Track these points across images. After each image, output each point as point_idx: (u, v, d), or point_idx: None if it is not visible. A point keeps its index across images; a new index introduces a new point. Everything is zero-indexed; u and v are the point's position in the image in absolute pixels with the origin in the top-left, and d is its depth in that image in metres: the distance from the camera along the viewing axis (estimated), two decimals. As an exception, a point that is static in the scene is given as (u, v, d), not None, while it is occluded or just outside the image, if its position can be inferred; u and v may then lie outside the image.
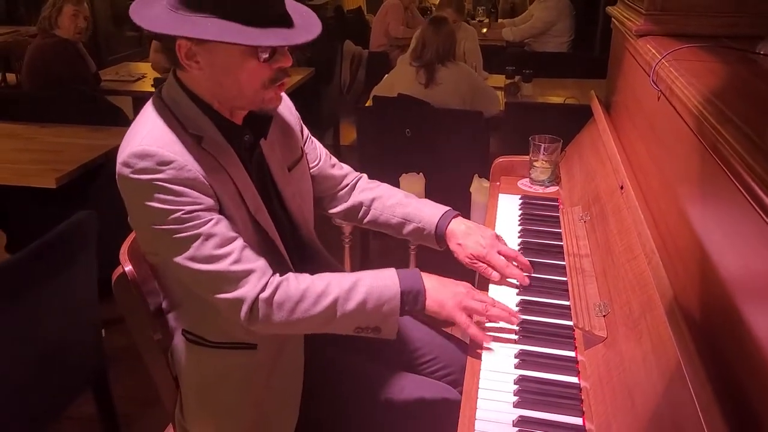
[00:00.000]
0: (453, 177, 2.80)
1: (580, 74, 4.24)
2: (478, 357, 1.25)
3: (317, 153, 1.58)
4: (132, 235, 1.42)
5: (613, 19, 1.88)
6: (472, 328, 1.28)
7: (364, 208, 1.61)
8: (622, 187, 1.38)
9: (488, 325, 1.33)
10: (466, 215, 2.36)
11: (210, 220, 1.20)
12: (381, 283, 1.27)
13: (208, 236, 1.19)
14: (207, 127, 1.24)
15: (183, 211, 1.17)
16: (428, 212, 1.56)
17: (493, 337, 1.29)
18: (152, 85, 4.00)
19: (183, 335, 1.38)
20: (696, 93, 1.02)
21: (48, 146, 3.04)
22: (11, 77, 6.06)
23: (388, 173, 2.38)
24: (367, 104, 3.63)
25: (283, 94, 1.35)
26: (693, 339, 0.84)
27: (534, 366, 1.21)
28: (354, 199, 1.62)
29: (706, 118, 0.93)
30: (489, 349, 1.27)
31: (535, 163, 2.02)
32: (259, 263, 1.23)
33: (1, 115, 3.39)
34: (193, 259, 1.19)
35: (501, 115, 3.54)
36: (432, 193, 2.36)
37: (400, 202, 1.59)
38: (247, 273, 1.21)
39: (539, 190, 2.01)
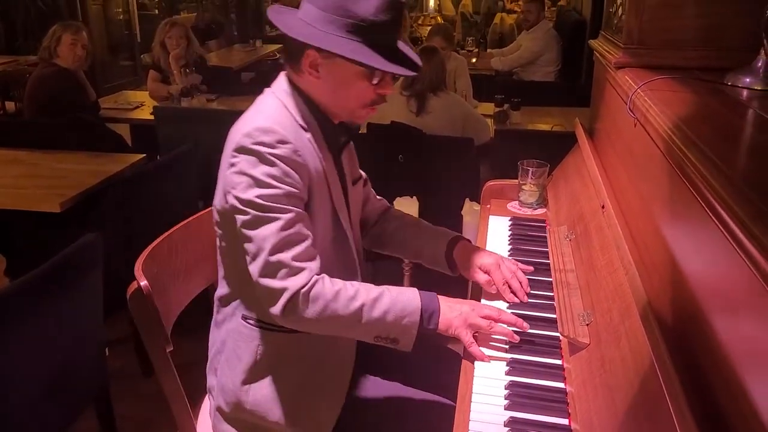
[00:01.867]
0: (445, 201, 2.90)
1: (566, 102, 4.39)
2: (472, 364, 1.34)
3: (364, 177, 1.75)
4: (146, 251, 1.51)
5: (594, 51, 2.01)
6: (473, 347, 1.37)
7: (389, 234, 1.75)
8: (603, 207, 1.48)
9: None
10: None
11: (297, 211, 1.33)
12: (404, 297, 1.38)
13: (290, 224, 1.31)
14: (313, 123, 1.41)
15: (283, 191, 1.31)
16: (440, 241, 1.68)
17: (489, 352, 1.38)
18: (151, 113, 4.10)
19: (243, 321, 1.48)
20: (666, 120, 1.13)
21: (52, 172, 3.13)
22: (10, 105, 6.16)
23: (382, 196, 2.49)
24: (361, 131, 3.75)
25: None
26: (664, 339, 0.94)
27: (523, 373, 1.31)
28: (382, 225, 1.77)
29: (674, 142, 1.03)
30: (483, 357, 1.36)
31: (523, 187, 2.13)
32: (313, 264, 1.34)
33: (3, 143, 3.48)
34: (265, 240, 1.30)
35: (491, 142, 3.66)
36: (425, 216, 2.45)
37: (416, 231, 1.73)
38: (300, 270, 1.32)
39: (528, 212, 2.12)
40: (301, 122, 1.39)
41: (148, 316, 1.41)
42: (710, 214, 0.86)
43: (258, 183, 1.31)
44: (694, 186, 0.93)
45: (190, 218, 1.71)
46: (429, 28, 5.77)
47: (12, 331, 1.64)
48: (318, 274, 1.34)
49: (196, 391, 1.66)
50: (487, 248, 1.84)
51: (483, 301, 1.55)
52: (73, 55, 3.95)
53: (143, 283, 1.40)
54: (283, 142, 1.32)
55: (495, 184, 2.23)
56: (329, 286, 1.34)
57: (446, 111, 3.44)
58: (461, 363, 1.37)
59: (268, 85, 1.47)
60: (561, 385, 1.26)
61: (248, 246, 1.33)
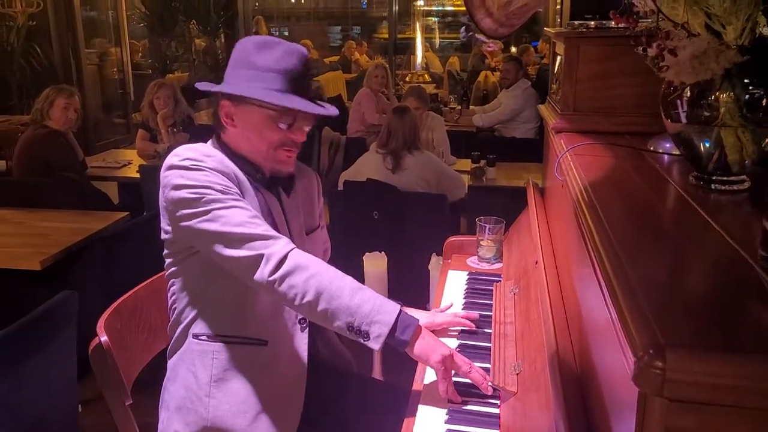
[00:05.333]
0: (415, 256, 2.99)
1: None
2: (414, 414, 1.41)
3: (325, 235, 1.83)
4: (111, 308, 1.59)
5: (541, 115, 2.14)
6: (444, 384, 1.41)
7: None
8: (536, 263, 1.58)
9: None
10: (425, 291, 2.55)
11: (241, 199, 1.44)
12: (386, 300, 1.41)
13: (241, 208, 1.42)
14: (239, 173, 1.52)
15: (222, 186, 1.42)
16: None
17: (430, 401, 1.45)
18: (137, 171, 4.22)
19: (194, 339, 1.55)
20: (579, 183, 1.24)
21: (35, 230, 3.20)
22: (1, 164, 6.28)
23: (354, 252, 2.59)
24: (338, 188, 3.86)
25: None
26: (564, 386, 1.02)
27: (462, 422, 1.37)
28: None
29: (579, 203, 1.14)
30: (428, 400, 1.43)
31: (482, 242, 2.23)
32: (286, 239, 1.43)
33: (-8, 202, 3.59)
34: (227, 223, 1.39)
35: (466, 197, 3.78)
36: (393, 270, 2.55)
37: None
38: (277, 237, 1.42)
39: (486, 266, 2.21)
40: (228, 168, 1.50)
41: (108, 371, 1.49)
42: (592, 267, 0.96)
43: (195, 186, 1.42)
44: (585, 242, 1.02)
45: (156, 275, 1.80)
46: (408, 87, 5.95)
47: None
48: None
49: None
50: (443, 302, 1.92)
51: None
52: (65, 118, 4.07)
53: (104, 338, 1.48)
54: (208, 155, 1.47)
55: (456, 239, 2.33)
56: (319, 258, 1.43)
57: (421, 169, 3.56)
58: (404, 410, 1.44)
59: None
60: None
61: (215, 237, 1.40)
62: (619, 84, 1.71)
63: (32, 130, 4.09)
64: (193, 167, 1.43)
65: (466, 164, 4.34)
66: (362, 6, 13.31)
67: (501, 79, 6.38)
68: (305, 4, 13.48)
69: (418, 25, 11.48)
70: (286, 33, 12.54)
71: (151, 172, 4.14)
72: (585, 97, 1.74)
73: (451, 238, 2.34)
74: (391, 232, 3.34)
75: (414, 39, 11.33)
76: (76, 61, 7.65)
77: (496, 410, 1.40)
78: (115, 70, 8.90)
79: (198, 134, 4.85)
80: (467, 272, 2.15)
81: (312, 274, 1.38)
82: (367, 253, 2.80)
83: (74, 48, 7.60)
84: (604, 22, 1.83)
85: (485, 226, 2.19)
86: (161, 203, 1.51)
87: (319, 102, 1.57)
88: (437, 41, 12.27)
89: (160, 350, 1.78)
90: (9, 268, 2.88)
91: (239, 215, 1.41)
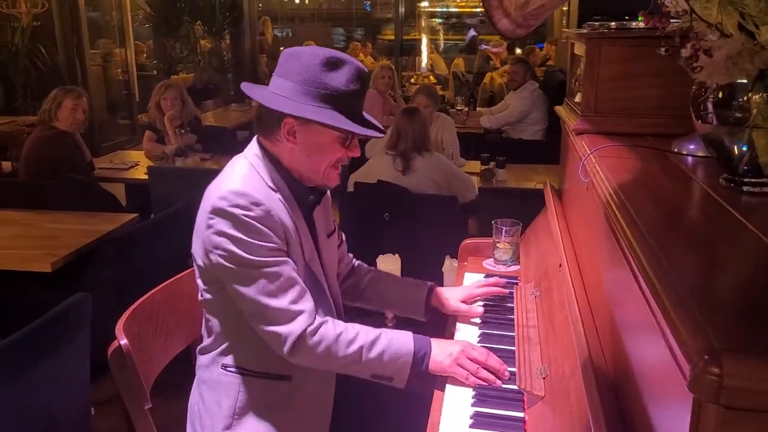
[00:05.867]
0: (427, 258, 2.97)
1: (553, 160, 4.48)
2: (438, 415, 1.40)
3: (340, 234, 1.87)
4: (128, 311, 1.58)
5: (560, 117, 2.12)
6: (470, 380, 1.49)
7: (363, 286, 1.88)
8: (560, 265, 1.56)
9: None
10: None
11: (282, 261, 1.45)
12: (398, 340, 1.52)
13: (277, 275, 1.44)
14: (282, 185, 1.53)
15: (265, 248, 1.43)
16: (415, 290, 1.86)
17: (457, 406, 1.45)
18: (145, 173, 4.21)
19: (222, 369, 1.57)
20: (608, 186, 1.22)
21: (45, 232, 3.19)
22: (6, 165, 6.27)
23: (366, 254, 2.56)
24: (348, 190, 3.85)
25: None
26: (600, 391, 1.01)
27: (487, 426, 1.36)
28: (355, 279, 1.89)
29: (611, 206, 1.12)
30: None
31: (498, 245, 2.22)
32: (310, 305, 1.48)
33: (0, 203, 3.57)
34: (259, 291, 1.43)
35: (476, 200, 3.76)
36: (407, 273, 2.53)
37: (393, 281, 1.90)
38: (300, 313, 1.45)
39: (502, 269, 2.20)
40: (271, 185, 1.51)
41: (128, 374, 1.48)
42: (630, 271, 0.94)
43: (238, 242, 1.42)
44: (620, 246, 1.01)
45: (172, 279, 1.79)
46: (416, 86, 5.94)
47: (-3, 390, 1.69)
48: (315, 314, 1.48)
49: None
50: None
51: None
52: (73, 119, 4.06)
53: (123, 341, 1.47)
54: (256, 203, 1.44)
55: (471, 242, 2.32)
56: (332, 329, 1.48)
57: (431, 170, 3.55)
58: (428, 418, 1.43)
59: None
60: (521, 435, 1.32)
61: (245, 300, 1.45)
62: (641, 85, 1.70)
63: (40, 131, 4.08)
64: (241, 220, 1.42)
65: (475, 166, 4.32)
66: (365, 8, 13.31)
67: (509, 80, 6.37)
68: (309, 5, 13.48)
69: (423, 26, 11.47)
70: (290, 34, 12.54)
71: (159, 174, 4.13)
72: (606, 98, 1.72)
73: (467, 241, 2.32)
74: (403, 234, 3.33)
75: (419, 40, 11.33)
76: (81, 62, 7.63)
77: (520, 413, 1.38)
78: (119, 71, 8.89)
79: (205, 135, 4.87)
80: (484, 275, 2.13)
81: (326, 346, 1.46)
82: (380, 255, 2.78)
83: (79, 49, 7.58)
84: (611, 22, 1.82)
85: (501, 228, 2.17)
86: (200, 234, 1.50)
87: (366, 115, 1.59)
88: (441, 43, 12.26)
89: (177, 353, 1.77)
90: (19, 270, 2.87)
91: (271, 283, 1.43)
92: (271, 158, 1.54)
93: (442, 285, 2.83)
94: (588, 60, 1.73)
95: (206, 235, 1.46)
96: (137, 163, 4.71)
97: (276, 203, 1.49)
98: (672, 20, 1.22)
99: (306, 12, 13.47)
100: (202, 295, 1.57)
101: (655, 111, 1.70)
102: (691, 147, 1.49)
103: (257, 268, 1.42)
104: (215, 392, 1.57)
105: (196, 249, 1.52)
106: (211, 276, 1.51)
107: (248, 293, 1.43)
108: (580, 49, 1.88)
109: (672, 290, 0.76)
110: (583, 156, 1.52)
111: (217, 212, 1.43)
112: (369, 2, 13.26)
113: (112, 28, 8.89)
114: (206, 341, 1.61)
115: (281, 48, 11.50)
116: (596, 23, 1.83)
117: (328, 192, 1.75)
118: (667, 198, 1.22)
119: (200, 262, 1.52)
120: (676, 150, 1.50)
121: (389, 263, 2.80)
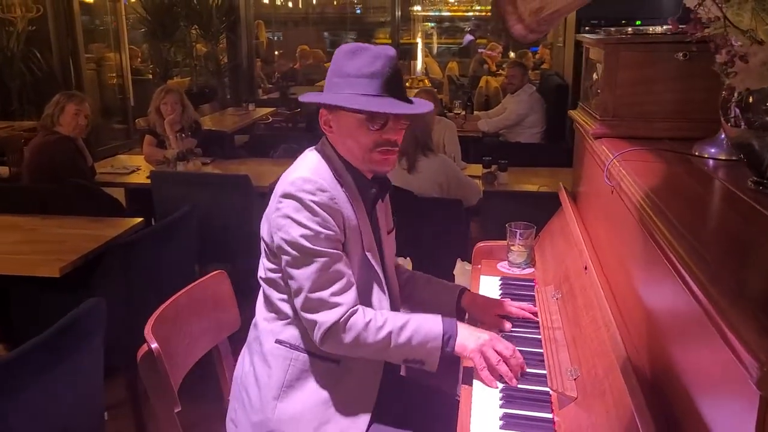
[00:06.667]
0: (437, 261, 3.00)
1: (552, 163, 4.51)
2: (468, 415, 1.41)
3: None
4: (155, 315, 1.58)
5: (574, 120, 2.14)
6: (483, 372, 1.51)
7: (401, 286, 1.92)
8: (586, 268, 1.58)
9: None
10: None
11: (335, 252, 1.52)
12: (427, 324, 1.55)
13: (328, 265, 1.52)
14: (347, 177, 1.62)
15: (323, 235, 1.51)
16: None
17: (486, 406, 1.46)
18: (147, 177, 4.19)
19: (277, 343, 1.63)
20: (639, 190, 1.24)
21: (50, 237, 3.16)
22: (4, 170, 6.23)
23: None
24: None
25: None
26: (642, 390, 1.02)
27: (517, 426, 1.38)
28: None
29: (646, 210, 1.14)
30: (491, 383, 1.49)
31: (512, 248, 2.23)
32: (349, 299, 1.54)
33: (2, 208, 3.55)
34: (307, 278, 1.51)
35: (480, 203, 3.78)
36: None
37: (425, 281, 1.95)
38: (336, 305, 1.52)
39: (517, 271, 2.21)
40: (337, 176, 1.59)
41: (158, 378, 1.48)
42: (675, 274, 0.96)
43: (300, 225, 1.50)
44: (661, 249, 1.03)
45: (195, 283, 1.79)
46: (416, 90, 5.94)
47: (13, 399, 1.68)
48: (353, 306, 1.52)
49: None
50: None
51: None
52: (75, 124, 4.04)
53: (154, 345, 1.47)
54: (322, 189, 1.52)
55: (485, 245, 2.33)
56: (361, 317, 1.53)
57: (435, 173, 3.56)
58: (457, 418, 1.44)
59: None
60: (552, 437, 1.33)
61: (291, 283, 1.54)
62: (659, 89, 1.72)
63: (42, 137, 4.06)
64: (306, 203, 1.51)
65: (477, 169, 4.33)
66: (356, 12, 13.33)
67: (507, 84, 6.40)
68: (302, 9, 13.48)
69: (418, 30, 11.50)
70: (281, 38, 12.53)
71: (162, 179, 4.12)
72: (625, 102, 1.75)
73: (480, 244, 2.34)
74: (411, 237, 3.33)
75: (413, 44, 11.35)
76: (76, 67, 7.61)
77: (549, 415, 1.40)
78: (113, 75, 8.86)
79: (205, 140, 4.86)
80: (499, 277, 2.15)
81: (356, 334, 1.52)
82: (391, 258, 2.80)
83: (74, 53, 7.56)
84: (609, 28, 1.86)
85: (516, 231, 2.19)
86: (269, 217, 1.59)
87: (411, 99, 1.63)
88: (435, 46, 12.30)
89: (200, 357, 1.77)
90: (24, 276, 2.86)
91: (318, 273, 1.50)
92: (335, 150, 1.63)
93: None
94: (606, 65, 1.76)
95: (273, 218, 1.56)
96: (138, 168, 4.69)
97: (340, 193, 1.57)
98: (680, 26, 1.24)
99: (298, 16, 13.47)
100: (265, 274, 1.65)
101: (673, 115, 1.73)
102: (713, 150, 1.52)
103: (311, 255, 1.50)
104: (266, 364, 1.63)
105: (264, 231, 1.62)
106: (275, 257, 1.60)
107: (297, 276, 1.51)
108: (596, 54, 1.91)
109: (728, 292, 0.78)
110: (605, 160, 1.54)
111: (286, 195, 1.53)
112: (360, 6, 13.27)
113: (107, 32, 8.86)
114: (264, 315, 1.68)
115: (276, 52, 11.56)
116: (612, 29, 1.86)
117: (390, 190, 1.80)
118: (698, 200, 1.24)
119: (268, 241, 1.61)
120: (697, 153, 1.53)
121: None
